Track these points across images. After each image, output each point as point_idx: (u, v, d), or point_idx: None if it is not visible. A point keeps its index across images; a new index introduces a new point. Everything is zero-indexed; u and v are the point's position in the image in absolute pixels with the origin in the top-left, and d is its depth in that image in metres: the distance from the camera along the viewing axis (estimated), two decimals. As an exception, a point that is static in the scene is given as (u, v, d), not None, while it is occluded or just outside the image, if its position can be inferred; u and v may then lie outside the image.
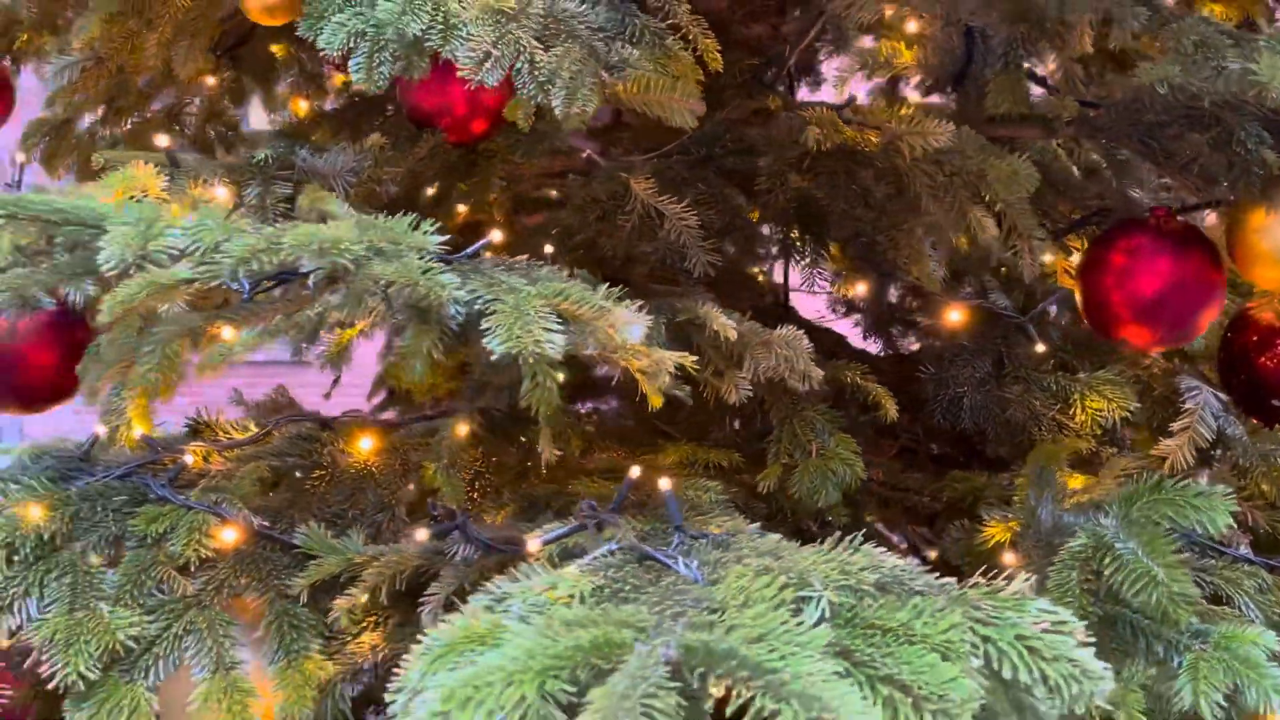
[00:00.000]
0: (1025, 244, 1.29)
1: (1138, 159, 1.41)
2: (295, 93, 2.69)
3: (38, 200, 0.98)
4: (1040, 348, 1.88)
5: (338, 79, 2.74)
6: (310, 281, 1.10)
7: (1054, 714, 0.83)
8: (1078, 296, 1.47)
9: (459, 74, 1.26)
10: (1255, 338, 1.81)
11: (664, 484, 1.06)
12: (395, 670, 1.34)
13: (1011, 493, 1.81)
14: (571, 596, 0.88)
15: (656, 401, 1.18)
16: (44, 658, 1.18)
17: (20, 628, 1.21)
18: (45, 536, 1.28)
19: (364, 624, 1.35)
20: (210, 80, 2.29)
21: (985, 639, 0.80)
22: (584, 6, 1.43)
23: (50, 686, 1.17)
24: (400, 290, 1.05)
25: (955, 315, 1.78)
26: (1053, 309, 2.05)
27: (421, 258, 1.06)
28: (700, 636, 0.70)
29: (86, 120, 2.25)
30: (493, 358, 0.99)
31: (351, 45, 1.31)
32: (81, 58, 1.96)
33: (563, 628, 0.73)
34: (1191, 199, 1.45)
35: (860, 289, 1.79)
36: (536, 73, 1.29)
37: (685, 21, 1.45)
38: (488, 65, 1.26)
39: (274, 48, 2.54)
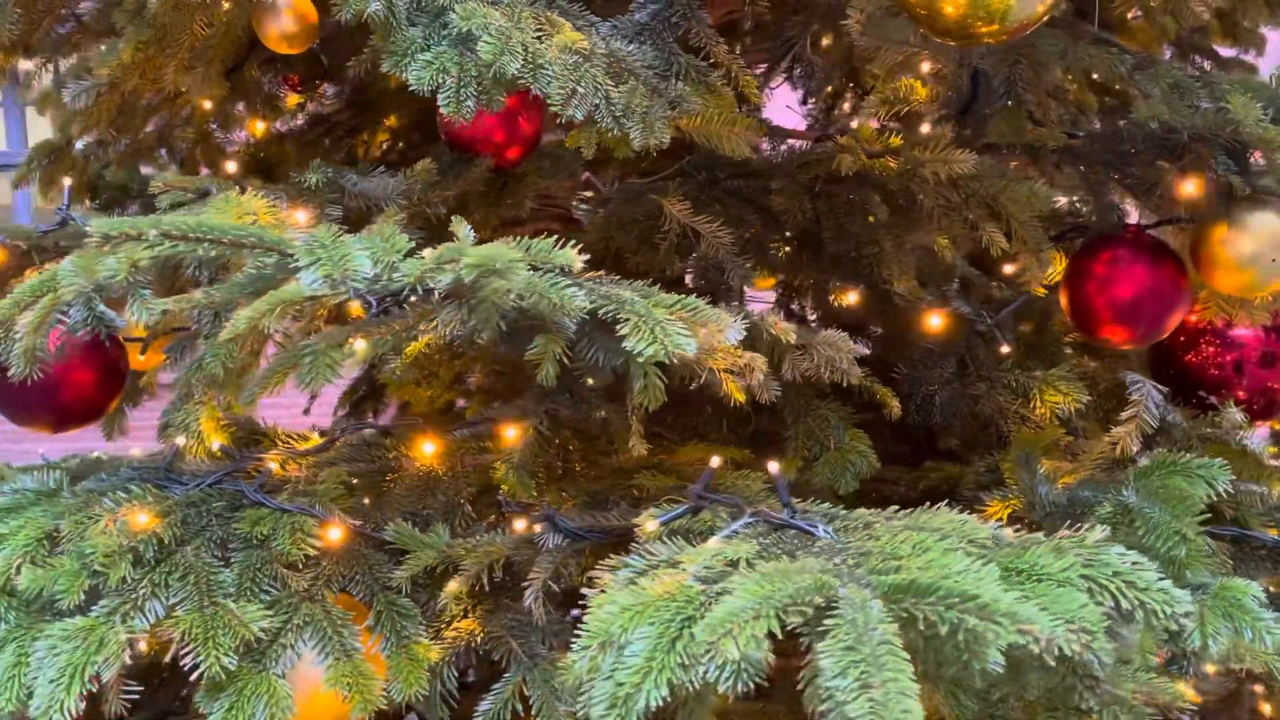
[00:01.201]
0: (1034, 256, 1.50)
1: (1108, 182, 1.63)
2: (252, 114, 2.75)
3: (217, 224, 1.08)
4: (1005, 349, 2.10)
5: (291, 100, 2.82)
6: (436, 296, 1.22)
7: (1134, 638, 1.02)
8: (1063, 301, 1.69)
9: (550, 109, 1.40)
10: (1182, 338, 2.08)
11: (774, 468, 1.22)
12: (488, 651, 1.47)
13: (985, 480, 2.03)
14: (736, 561, 1.03)
15: (741, 398, 1.34)
16: (182, 652, 1.26)
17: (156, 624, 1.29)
18: (164, 540, 1.36)
19: (456, 611, 1.46)
20: (206, 104, 2.35)
21: (1086, 576, 0.99)
22: (633, 46, 1.58)
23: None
24: (532, 301, 1.18)
25: (935, 320, 1.99)
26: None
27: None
28: (900, 577, 0.86)
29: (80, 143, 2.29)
30: (640, 359, 1.13)
31: (439, 81, 1.44)
32: (97, 83, 2.00)
33: (780, 576, 0.88)
34: (1151, 217, 1.68)
35: (851, 298, 1.98)
36: (612, 108, 1.44)
37: (724, 59, 1.62)
38: (575, 101, 1.41)
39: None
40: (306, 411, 2.76)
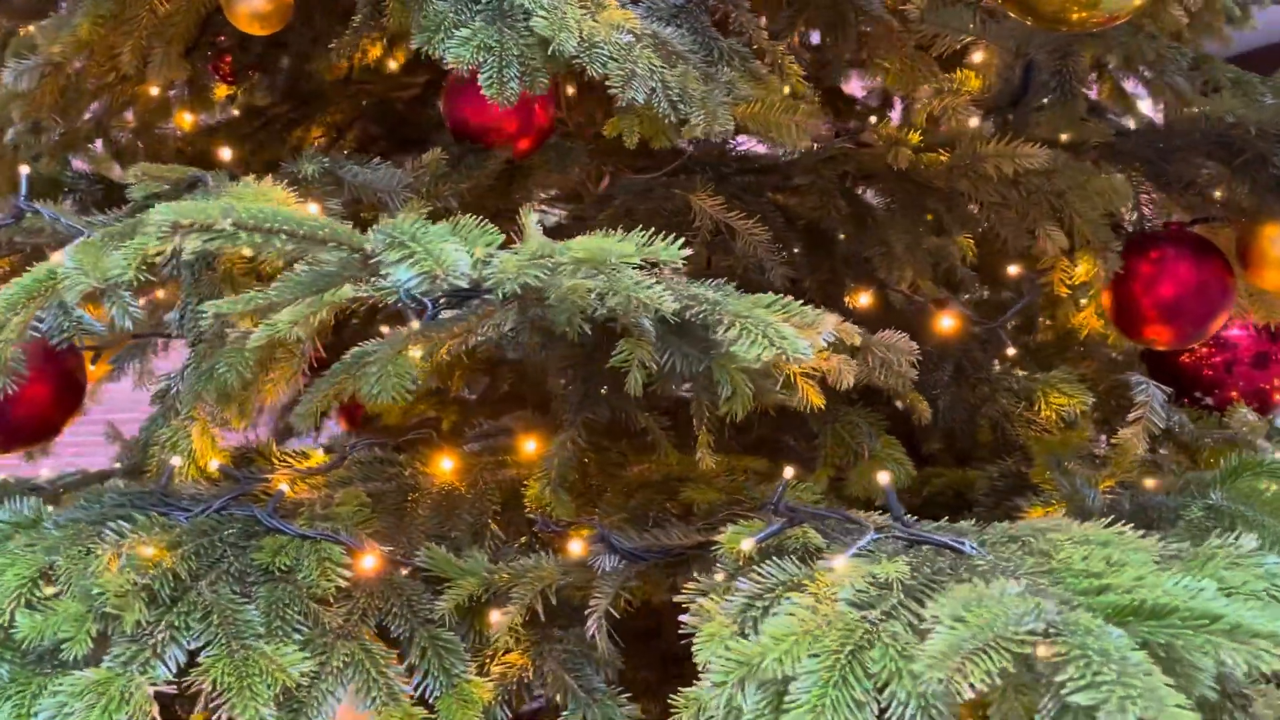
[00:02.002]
0: (1101, 254, 1.44)
1: (1140, 178, 1.60)
2: (181, 105, 2.55)
3: (293, 215, 0.93)
4: (1011, 351, 2.06)
5: (220, 91, 2.63)
6: (500, 295, 1.09)
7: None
8: (1105, 300, 1.65)
9: (609, 90, 1.28)
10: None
11: (884, 478, 1.12)
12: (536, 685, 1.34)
13: (1001, 485, 1.99)
14: (889, 583, 0.93)
15: (819, 401, 1.24)
16: (214, 703, 1.10)
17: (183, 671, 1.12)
18: (180, 575, 1.19)
19: (500, 644, 1.33)
20: (154, 90, 2.15)
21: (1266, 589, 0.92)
22: (670, 29, 1.47)
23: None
24: (617, 302, 1.06)
25: (947, 322, 1.93)
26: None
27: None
28: (1123, 598, 0.77)
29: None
30: (756, 365, 1.02)
31: (480, 59, 1.31)
32: (42, 62, 1.79)
33: (989, 602, 0.78)
34: (1184, 215, 1.65)
35: (863, 300, 1.91)
36: (669, 91, 1.33)
37: (764, 45, 1.52)
38: (635, 83, 1.29)
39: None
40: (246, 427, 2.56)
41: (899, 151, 1.47)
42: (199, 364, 1.46)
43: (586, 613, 1.28)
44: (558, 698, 1.30)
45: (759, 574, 1.06)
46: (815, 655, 0.86)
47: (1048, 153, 1.37)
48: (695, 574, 1.38)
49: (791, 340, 1.03)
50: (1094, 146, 1.56)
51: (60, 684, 1.08)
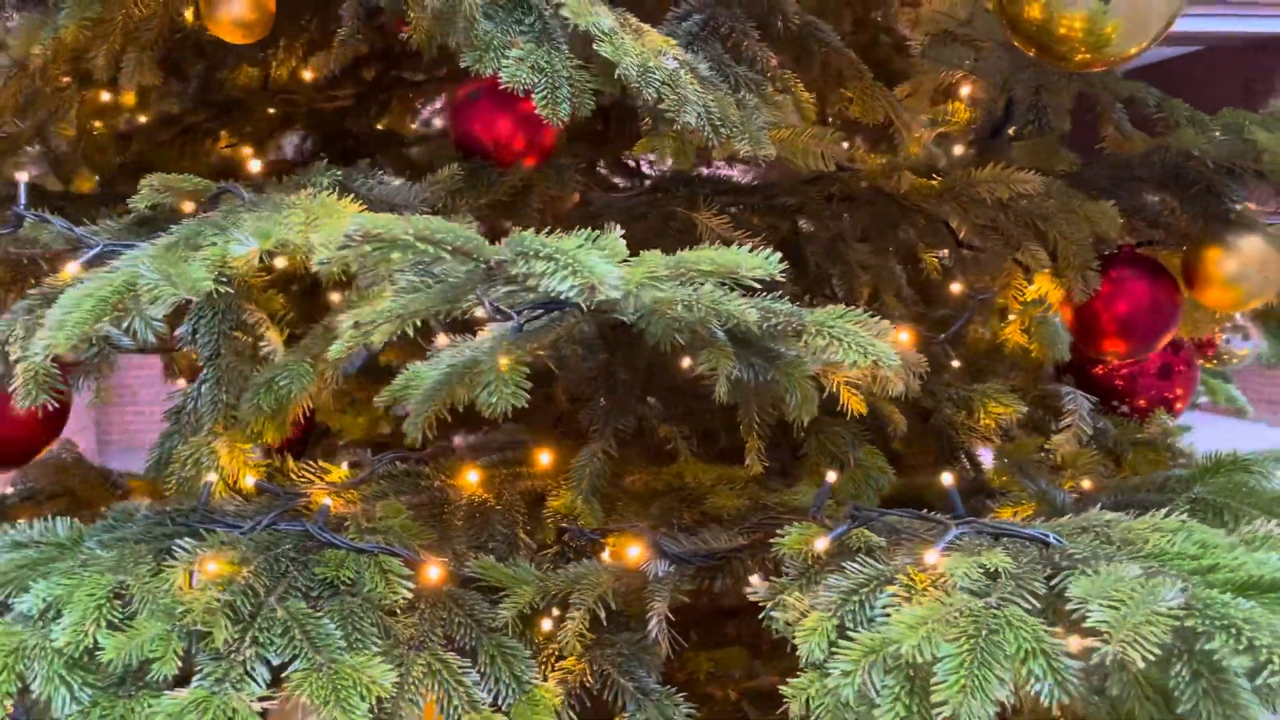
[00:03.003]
0: (1082, 273, 1.58)
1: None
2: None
3: (453, 229, 0.95)
4: (955, 364, 2.20)
5: (127, 97, 2.55)
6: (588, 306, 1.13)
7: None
8: (1066, 315, 1.80)
9: (658, 115, 1.34)
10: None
11: (947, 479, 1.21)
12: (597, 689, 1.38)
13: (962, 489, 2.12)
14: (995, 572, 1.02)
15: (862, 408, 1.33)
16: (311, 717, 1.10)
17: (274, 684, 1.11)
18: (256, 591, 1.17)
19: (552, 650, 1.35)
20: (105, 96, 2.06)
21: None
22: (690, 57, 1.54)
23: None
24: (702, 313, 1.12)
25: (904, 336, 2.05)
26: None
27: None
28: (1238, 575, 0.88)
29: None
30: (851, 373, 1.10)
31: (533, 80, 1.34)
32: (10, 63, 1.71)
33: (1123, 587, 0.88)
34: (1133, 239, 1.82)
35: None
36: (710, 116, 1.40)
37: (773, 71, 1.61)
38: (686, 108, 1.35)
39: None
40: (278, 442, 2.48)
41: (901, 176, 1.58)
42: (218, 379, 1.43)
43: (647, 616, 1.32)
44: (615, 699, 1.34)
45: (849, 570, 1.14)
46: (952, 640, 0.94)
47: (1041, 180, 1.50)
48: (736, 575, 1.45)
49: (881, 348, 1.10)
50: (1062, 175, 1.71)
51: (157, 705, 1.05)
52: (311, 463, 1.51)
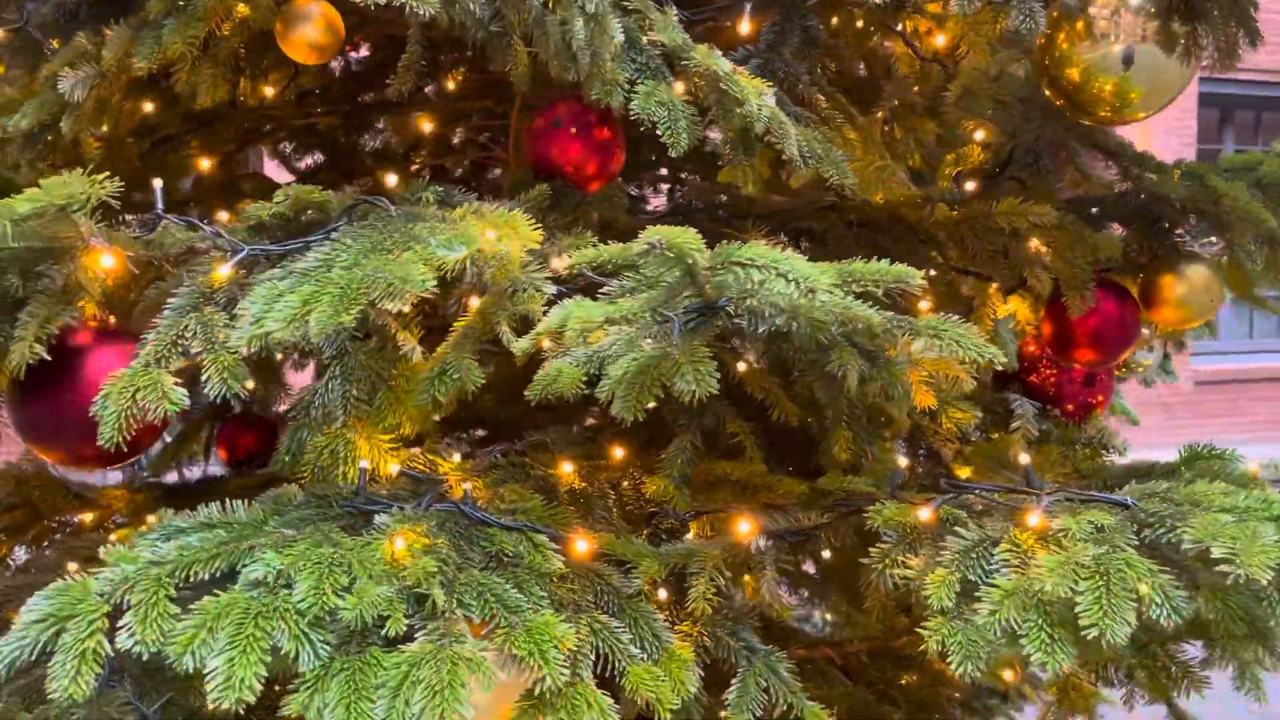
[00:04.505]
0: (1079, 292, 1.87)
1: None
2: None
3: (696, 240, 1.13)
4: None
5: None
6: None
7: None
8: (1045, 328, 2.10)
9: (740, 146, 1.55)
10: (1026, 363, 2.59)
11: (1024, 458, 1.46)
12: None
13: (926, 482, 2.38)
14: (1103, 527, 1.26)
15: (932, 403, 1.57)
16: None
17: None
18: (454, 561, 1.31)
19: (665, 614, 1.52)
20: (148, 106, 2.11)
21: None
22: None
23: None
24: (836, 318, 1.34)
25: (888, 349, 2.31)
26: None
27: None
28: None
29: None
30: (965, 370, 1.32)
31: (658, 114, 1.53)
32: (93, 73, 1.76)
33: (1229, 530, 1.13)
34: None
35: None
36: (802, 149, 1.61)
37: (825, 111, 1.84)
38: (789, 142, 1.56)
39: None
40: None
41: (935, 207, 1.84)
42: (346, 376, 1.55)
43: (761, 583, 1.51)
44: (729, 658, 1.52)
45: (961, 532, 1.37)
46: (1087, 579, 1.18)
47: (1055, 212, 1.78)
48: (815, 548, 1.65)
49: (990, 348, 1.34)
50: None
51: (391, 658, 1.18)
52: (421, 454, 1.64)
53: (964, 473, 2.37)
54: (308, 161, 2.95)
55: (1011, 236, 1.84)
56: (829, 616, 2.84)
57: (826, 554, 1.65)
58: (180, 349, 1.37)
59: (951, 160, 1.89)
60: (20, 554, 2.78)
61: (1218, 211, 1.83)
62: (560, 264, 1.29)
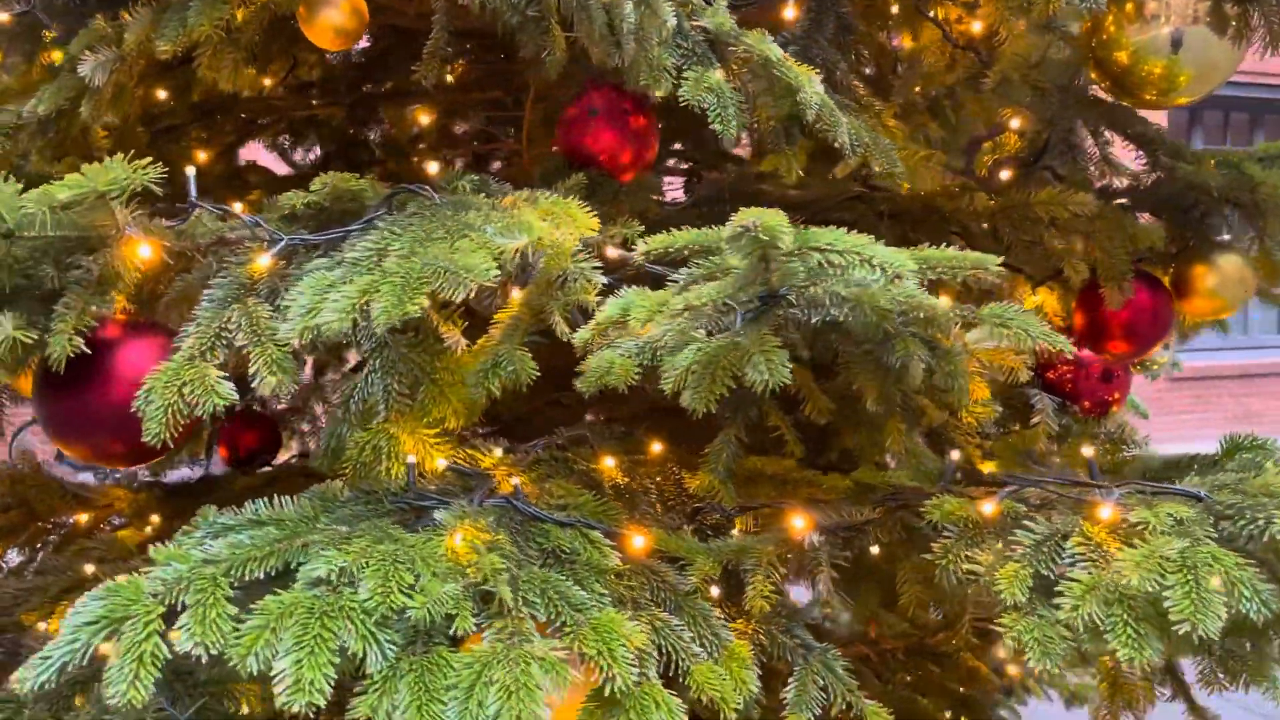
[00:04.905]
0: (1117, 282, 1.85)
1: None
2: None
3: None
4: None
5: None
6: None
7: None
8: (1078, 320, 2.08)
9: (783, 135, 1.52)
10: (1043, 358, 2.58)
11: (1088, 451, 1.44)
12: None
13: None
14: (1182, 519, 1.24)
15: (986, 394, 1.55)
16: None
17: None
18: (515, 557, 1.27)
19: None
20: (161, 94, 2.05)
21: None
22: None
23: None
24: (905, 307, 1.31)
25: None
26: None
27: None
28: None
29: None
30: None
31: (707, 101, 1.50)
32: (113, 57, 1.70)
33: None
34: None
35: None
36: (852, 140, 1.58)
37: (864, 99, 1.81)
38: (840, 130, 1.53)
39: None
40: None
41: (975, 197, 1.81)
42: (386, 369, 1.50)
43: (818, 581, 1.48)
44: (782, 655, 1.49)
45: (1030, 526, 1.34)
46: (1174, 572, 1.15)
47: (1096, 201, 1.76)
48: (863, 543, 1.63)
49: (1058, 337, 1.32)
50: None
51: (460, 658, 1.13)
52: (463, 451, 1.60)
53: (988, 467, 2.36)
54: (312, 154, 2.89)
55: (1050, 226, 1.82)
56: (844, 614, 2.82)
57: (875, 549, 1.62)
58: (224, 342, 1.32)
59: (989, 148, 1.87)
60: (13, 556, 2.72)
61: (1254, 199, 1.82)
62: (638, 250, 1.25)
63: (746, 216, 1.07)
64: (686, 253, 1.24)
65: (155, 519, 2.64)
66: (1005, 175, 1.90)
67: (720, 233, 1.16)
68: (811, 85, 1.47)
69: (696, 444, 2.13)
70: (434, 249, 1.23)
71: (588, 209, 1.41)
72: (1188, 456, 1.85)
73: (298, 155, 2.93)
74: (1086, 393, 2.66)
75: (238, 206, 1.69)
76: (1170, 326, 2.07)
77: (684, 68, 1.53)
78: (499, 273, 1.20)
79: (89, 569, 1.96)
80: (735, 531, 1.64)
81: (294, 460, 3.08)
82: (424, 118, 2.67)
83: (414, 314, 1.15)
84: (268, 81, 2.60)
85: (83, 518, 2.78)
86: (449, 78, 2.63)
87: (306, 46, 2.54)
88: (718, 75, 1.52)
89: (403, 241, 1.28)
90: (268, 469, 2.82)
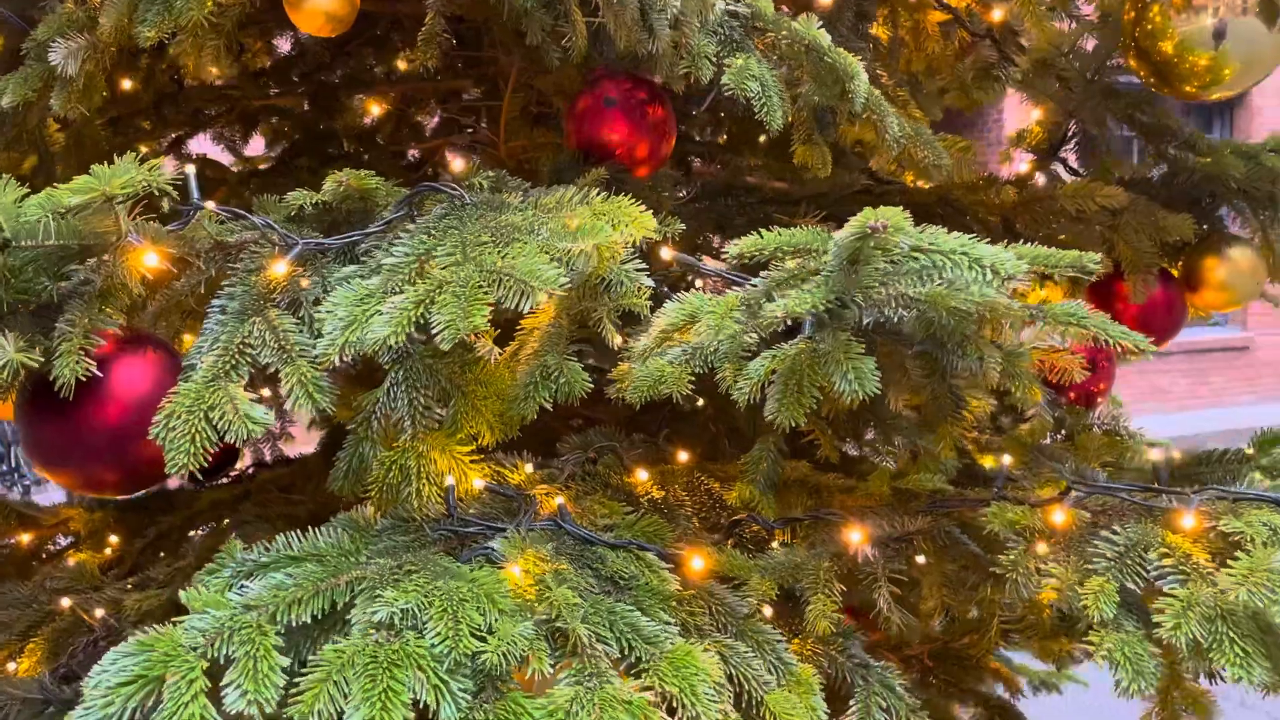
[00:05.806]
0: (1145, 275, 1.82)
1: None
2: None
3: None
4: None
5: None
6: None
7: None
8: (1091, 315, 2.05)
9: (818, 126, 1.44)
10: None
11: (1157, 453, 1.39)
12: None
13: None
14: (1276, 529, 1.20)
15: (1039, 396, 1.49)
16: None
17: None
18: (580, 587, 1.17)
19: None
20: (126, 84, 1.89)
21: None
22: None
23: None
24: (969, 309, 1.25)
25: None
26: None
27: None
28: None
29: None
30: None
31: (751, 89, 1.41)
32: (86, 44, 1.55)
33: None
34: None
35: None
36: (901, 135, 1.51)
37: (890, 90, 1.74)
38: (888, 119, 1.46)
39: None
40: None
41: (1002, 189, 1.76)
42: (409, 380, 1.39)
43: (878, 597, 1.41)
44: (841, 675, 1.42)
45: (1108, 539, 1.29)
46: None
47: (1125, 193, 1.72)
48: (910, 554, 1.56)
49: (1135, 334, 1.26)
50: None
51: (538, 703, 1.04)
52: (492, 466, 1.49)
53: (987, 462, 2.32)
54: (270, 148, 2.74)
55: (1071, 218, 1.78)
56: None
57: (921, 559, 1.56)
58: (248, 359, 1.19)
59: (1013, 139, 1.82)
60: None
61: (1274, 190, 1.80)
62: (730, 252, 1.16)
63: (870, 217, 0.99)
64: (766, 254, 1.16)
65: (113, 540, 2.47)
66: (1023, 168, 1.85)
67: (816, 234, 1.07)
68: (861, 74, 1.40)
69: (696, 444, 2.05)
70: (489, 255, 1.13)
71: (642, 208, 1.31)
72: (1215, 451, 1.83)
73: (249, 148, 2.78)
74: (1072, 384, 2.64)
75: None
76: (1183, 320, 2.05)
77: (723, 55, 1.44)
78: (568, 280, 1.10)
79: (65, 602, 1.80)
80: (774, 544, 1.57)
81: (250, 470, 2.93)
82: (375, 108, 2.54)
83: (480, 327, 1.04)
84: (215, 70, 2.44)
85: (24, 538, 2.61)
86: (402, 65, 2.50)
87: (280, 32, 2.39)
88: (762, 64, 1.43)
89: (447, 247, 1.17)
90: (231, 482, 2.67)
